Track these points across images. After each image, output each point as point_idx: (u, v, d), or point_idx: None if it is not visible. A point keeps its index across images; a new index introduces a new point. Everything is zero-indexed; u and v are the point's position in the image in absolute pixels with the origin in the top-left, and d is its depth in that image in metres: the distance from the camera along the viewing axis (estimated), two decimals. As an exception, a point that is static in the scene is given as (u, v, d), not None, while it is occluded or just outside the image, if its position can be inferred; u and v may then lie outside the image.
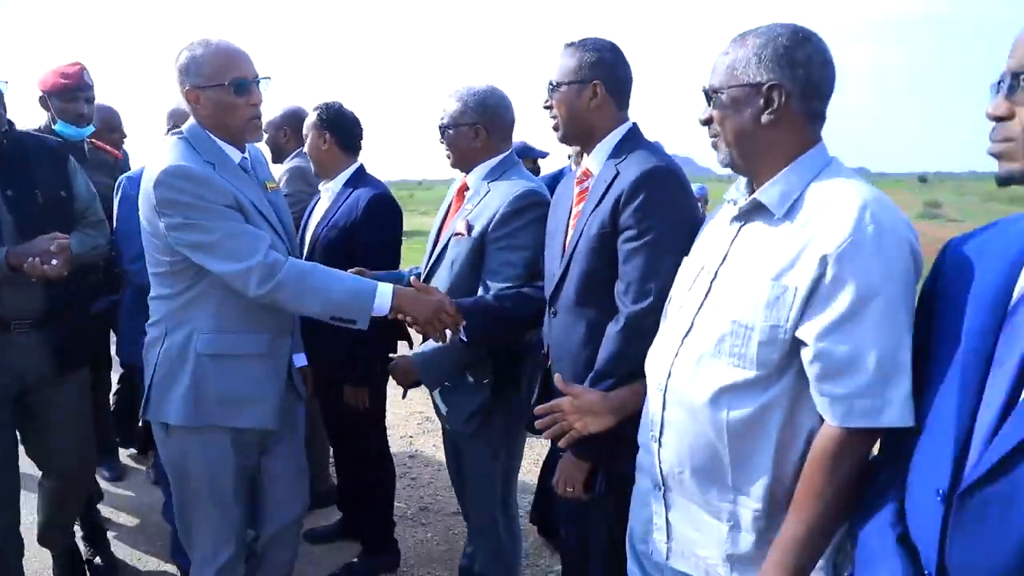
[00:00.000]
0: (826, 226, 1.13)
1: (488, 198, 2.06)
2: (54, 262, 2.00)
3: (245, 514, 2.04)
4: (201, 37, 1.87)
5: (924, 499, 0.96)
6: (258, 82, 1.88)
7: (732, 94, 1.23)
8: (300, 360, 2.28)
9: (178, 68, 1.86)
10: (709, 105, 1.28)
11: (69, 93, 2.81)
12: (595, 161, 1.75)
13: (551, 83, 1.75)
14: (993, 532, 0.85)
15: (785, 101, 1.19)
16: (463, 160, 2.16)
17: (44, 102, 2.85)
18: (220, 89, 1.82)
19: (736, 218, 1.29)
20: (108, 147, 3.08)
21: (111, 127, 3.27)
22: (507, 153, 2.16)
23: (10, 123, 2.19)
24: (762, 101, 1.20)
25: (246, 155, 1.96)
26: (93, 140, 3.04)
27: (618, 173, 1.64)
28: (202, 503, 1.96)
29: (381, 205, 2.56)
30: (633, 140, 1.73)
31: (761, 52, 1.20)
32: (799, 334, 1.14)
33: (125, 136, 3.46)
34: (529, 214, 2.00)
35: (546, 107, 1.78)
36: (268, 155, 2.81)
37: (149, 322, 1.96)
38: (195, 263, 1.80)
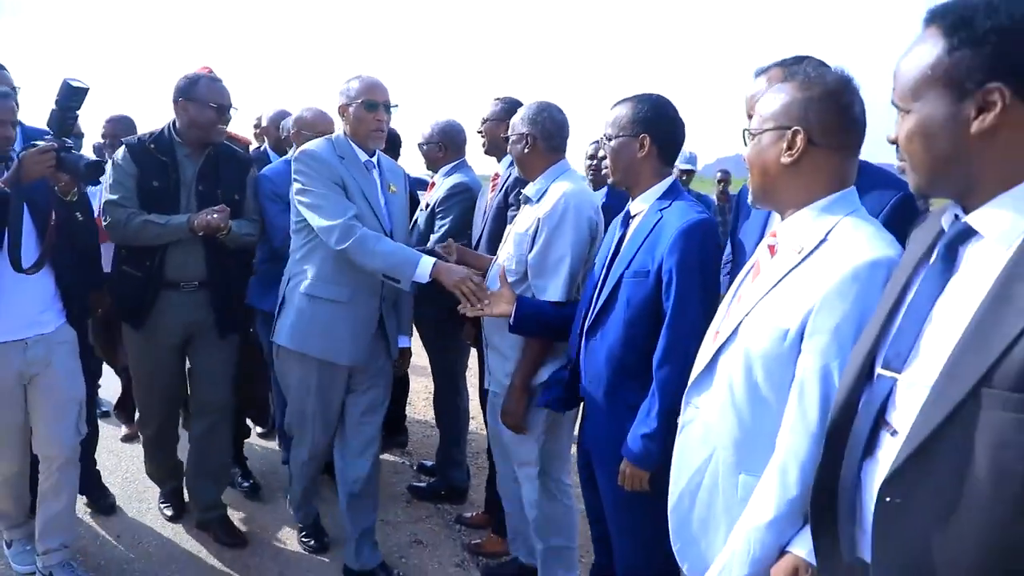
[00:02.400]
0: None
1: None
2: (216, 215, 2.60)
3: (327, 427, 2.66)
4: (357, 72, 2.66)
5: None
6: (387, 106, 2.53)
7: None
8: (404, 341, 2.80)
9: (339, 92, 2.57)
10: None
11: None
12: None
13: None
14: (595, 350, 1.91)
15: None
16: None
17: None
18: (357, 106, 2.50)
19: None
20: (241, 136, 3.54)
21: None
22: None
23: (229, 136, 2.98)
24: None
25: (373, 160, 2.58)
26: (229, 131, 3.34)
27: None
28: (296, 408, 2.65)
29: None
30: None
31: None
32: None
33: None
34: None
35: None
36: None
37: (285, 271, 2.63)
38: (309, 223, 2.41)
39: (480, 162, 3.38)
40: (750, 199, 1.46)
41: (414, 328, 3.09)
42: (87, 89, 2.26)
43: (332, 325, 2.50)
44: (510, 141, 2.40)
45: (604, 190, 3.17)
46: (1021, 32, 0.92)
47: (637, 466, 1.77)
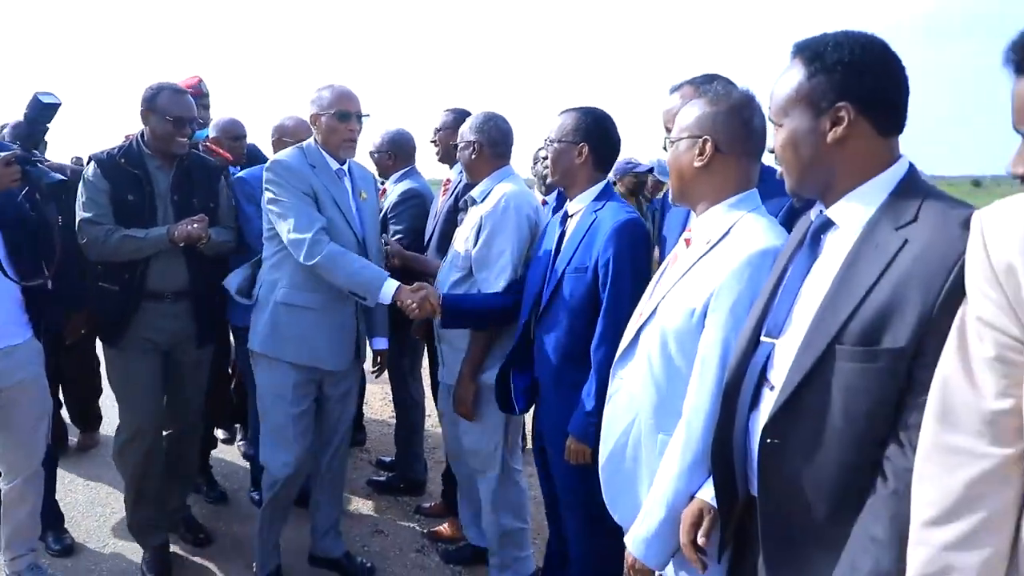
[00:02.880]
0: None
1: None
2: (196, 225, 2.60)
3: (307, 427, 2.65)
4: (328, 82, 2.60)
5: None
6: (358, 116, 2.57)
7: None
8: (380, 343, 2.87)
9: (310, 100, 2.60)
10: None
11: None
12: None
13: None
14: (544, 340, 2.12)
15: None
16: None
17: None
18: (329, 116, 2.53)
19: None
20: (220, 150, 3.37)
21: (234, 136, 3.47)
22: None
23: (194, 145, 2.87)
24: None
25: (344, 168, 2.62)
26: (209, 144, 3.31)
27: None
28: (273, 418, 2.61)
29: None
30: None
31: None
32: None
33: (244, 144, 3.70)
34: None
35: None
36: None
37: (258, 277, 2.65)
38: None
39: (430, 168, 3.56)
40: (670, 198, 1.68)
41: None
42: (59, 104, 2.31)
43: (310, 331, 2.53)
44: (459, 148, 2.58)
45: (555, 193, 3.39)
46: (860, 64, 1.16)
47: (580, 442, 1.96)
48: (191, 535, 3.08)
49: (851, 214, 1.19)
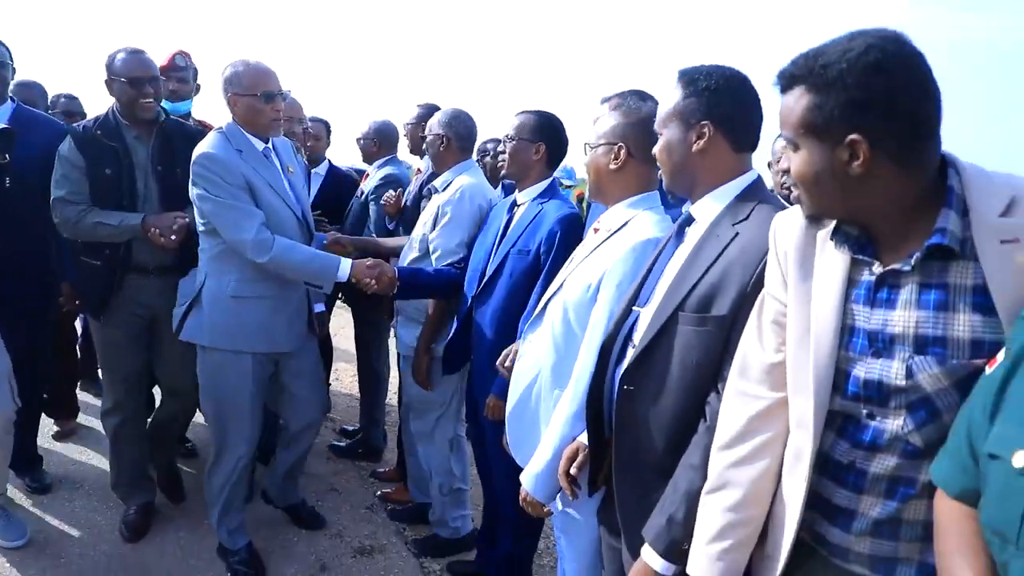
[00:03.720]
0: None
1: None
2: (172, 237, 2.54)
3: (259, 421, 2.65)
4: (241, 57, 2.49)
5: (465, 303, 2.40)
6: (281, 94, 2.49)
7: None
8: (318, 307, 2.87)
9: (223, 79, 2.46)
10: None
11: (164, 73, 3.11)
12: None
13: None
14: (482, 313, 2.36)
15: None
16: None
17: None
18: (252, 98, 2.43)
19: None
20: (209, 124, 3.34)
21: None
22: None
23: (166, 112, 2.75)
24: None
25: (269, 145, 2.54)
26: (200, 120, 3.41)
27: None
28: (229, 408, 2.57)
29: None
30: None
31: None
32: None
33: None
34: None
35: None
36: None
37: (197, 270, 2.55)
38: None
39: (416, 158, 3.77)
40: (587, 195, 1.96)
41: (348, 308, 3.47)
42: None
43: (266, 319, 2.51)
44: (427, 140, 2.86)
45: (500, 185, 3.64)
46: (722, 91, 1.44)
47: (499, 399, 2.23)
48: (169, 490, 3.16)
49: (705, 211, 1.48)
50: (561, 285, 1.84)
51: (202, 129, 2.93)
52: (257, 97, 2.43)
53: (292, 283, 2.54)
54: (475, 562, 2.80)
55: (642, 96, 1.97)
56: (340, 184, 3.84)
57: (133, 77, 2.54)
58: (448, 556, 2.93)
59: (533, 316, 1.93)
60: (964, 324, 1.00)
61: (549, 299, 1.87)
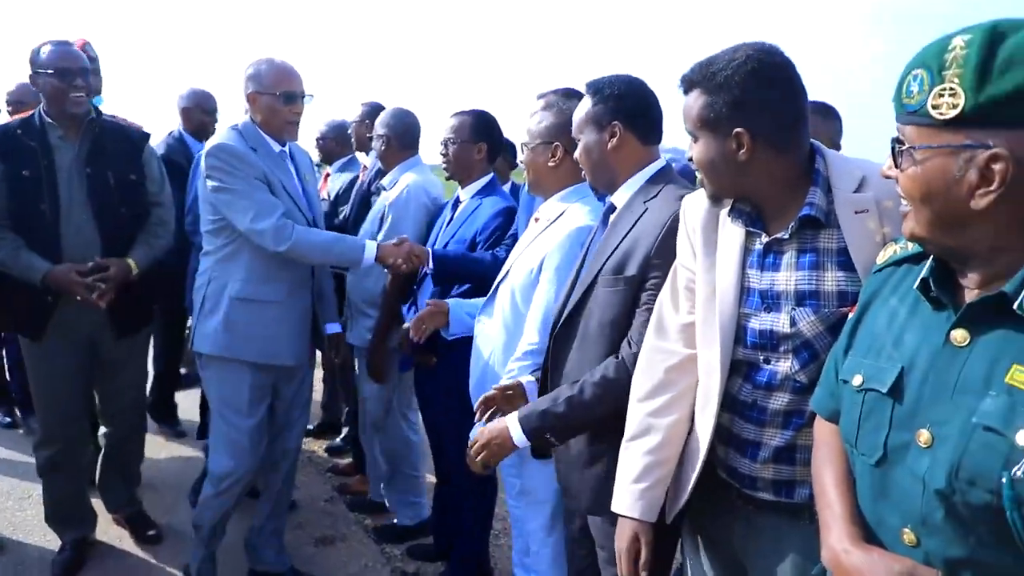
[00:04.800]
0: None
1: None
2: (93, 295, 2.35)
3: (262, 434, 2.50)
4: (267, 55, 2.42)
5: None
6: (303, 97, 2.43)
7: None
8: (333, 328, 2.75)
9: (246, 75, 2.40)
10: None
11: None
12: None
13: None
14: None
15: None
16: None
17: None
18: (273, 97, 2.37)
19: None
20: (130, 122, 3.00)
21: (205, 109, 3.53)
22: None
23: (97, 111, 2.55)
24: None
25: (285, 149, 2.48)
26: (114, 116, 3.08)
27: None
28: (230, 421, 2.44)
29: None
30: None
31: None
32: None
33: (217, 120, 3.76)
34: None
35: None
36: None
37: (199, 272, 2.47)
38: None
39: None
40: (526, 189, 2.15)
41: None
42: None
43: (272, 326, 2.40)
44: (372, 140, 2.99)
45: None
46: (625, 95, 1.66)
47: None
48: (141, 534, 2.91)
49: (622, 196, 1.69)
50: (507, 272, 2.02)
51: (140, 128, 2.74)
52: (277, 97, 2.37)
53: (302, 288, 2.46)
54: (433, 545, 2.94)
55: (570, 95, 2.15)
56: None
57: (61, 68, 2.36)
58: (407, 541, 3.06)
59: (485, 301, 2.11)
60: (832, 280, 1.23)
61: (498, 285, 2.05)
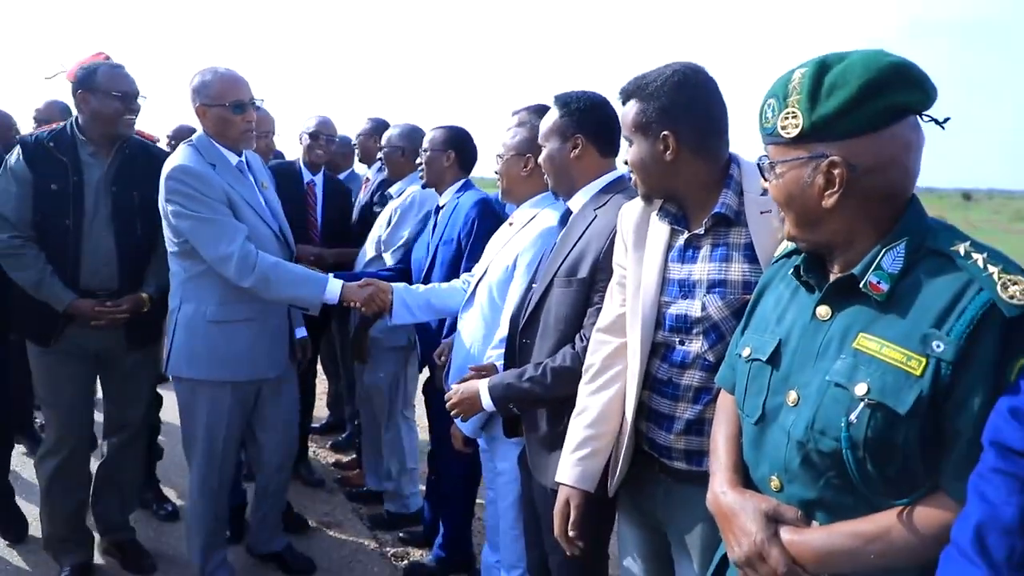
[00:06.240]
0: None
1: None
2: (105, 321, 2.42)
3: (234, 454, 2.56)
4: (210, 65, 2.49)
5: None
6: (253, 104, 2.40)
7: None
8: (300, 332, 2.75)
9: (191, 88, 2.37)
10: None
11: None
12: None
13: None
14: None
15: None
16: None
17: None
18: (222, 108, 2.34)
19: None
20: (147, 133, 3.12)
21: (330, 135, 3.56)
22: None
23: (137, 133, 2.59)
24: None
25: (243, 159, 2.45)
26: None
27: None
28: (202, 442, 2.44)
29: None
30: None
31: None
32: None
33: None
34: None
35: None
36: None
37: (169, 295, 2.42)
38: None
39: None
40: (499, 196, 2.34)
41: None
42: None
43: (249, 344, 2.38)
44: (386, 151, 3.24)
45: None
46: (588, 111, 1.85)
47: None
48: (134, 562, 2.77)
49: (578, 202, 1.89)
50: (486, 271, 2.23)
51: (156, 142, 2.85)
52: (226, 107, 2.32)
53: (271, 303, 2.41)
54: (423, 532, 3.12)
55: (541, 111, 2.25)
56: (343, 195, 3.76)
57: (124, 91, 2.42)
58: (399, 529, 3.25)
59: (465, 299, 2.31)
60: (738, 270, 1.41)
61: (477, 284, 2.25)
